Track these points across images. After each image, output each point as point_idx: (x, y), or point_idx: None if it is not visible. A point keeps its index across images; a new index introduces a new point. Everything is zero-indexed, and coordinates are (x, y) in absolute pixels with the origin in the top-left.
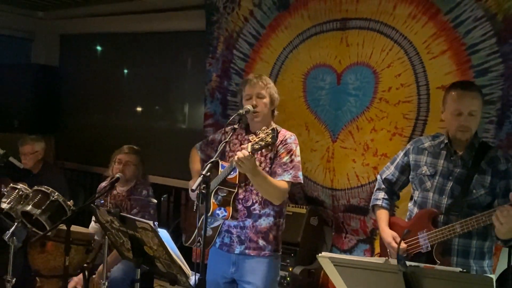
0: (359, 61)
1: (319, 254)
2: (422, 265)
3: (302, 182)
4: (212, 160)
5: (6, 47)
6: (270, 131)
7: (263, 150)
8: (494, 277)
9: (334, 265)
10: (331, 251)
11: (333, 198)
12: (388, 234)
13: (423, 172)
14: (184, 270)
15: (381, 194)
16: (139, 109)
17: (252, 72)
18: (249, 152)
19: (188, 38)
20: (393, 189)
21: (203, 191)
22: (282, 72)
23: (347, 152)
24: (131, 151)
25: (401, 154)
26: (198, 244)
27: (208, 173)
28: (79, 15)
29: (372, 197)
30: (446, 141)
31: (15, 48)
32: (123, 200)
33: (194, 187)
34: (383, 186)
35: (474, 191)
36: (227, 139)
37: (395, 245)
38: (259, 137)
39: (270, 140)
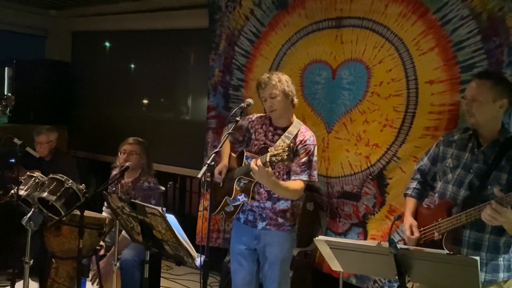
0: (353, 57)
1: (316, 238)
2: (411, 247)
3: (317, 180)
4: (216, 150)
5: (22, 44)
6: (287, 149)
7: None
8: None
9: (330, 247)
10: (326, 234)
11: (328, 185)
12: (407, 222)
13: (447, 164)
14: (190, 252)
15: (413, 184)
16: (146, 101)
17: (252, 68)
18: (264, 162)
19: (192, 35)
20: (426, 180)
21: (208, 179)
22: (281, 68)
23: (341, 142)
24: (135, 142)
25: (434, 145)
26: (221, 215)
27: (213, 163)
28: (90, 14)
29: (406, 186)
30: (471, 132)
31: (30, 45)
32: (129, 190)
33: (199, 175)
34: (416, 176)
35: (489, 186)
36: (229, 131)
37: (409, 235)
38: (277, 151)
39: (286, 157)
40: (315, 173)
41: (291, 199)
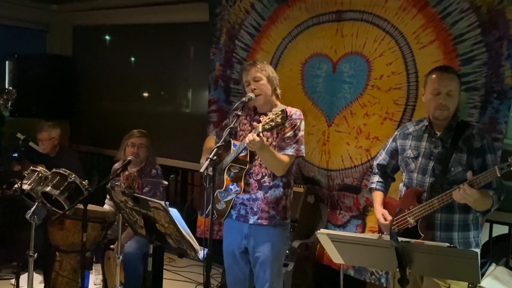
0: (353, 50)
1: (318, 231)
2: (412, 240)
3: (304, 155)
4: (218, 145)
5: (23, 38)
6: (280, 112)
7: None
8: (478, 250)
9: (331, 240)
10: (326, 227)
11: (328, 178)
12: (378, 212)
13: (408, 155)
14: (193, 245)
15: (376, 178)
16: (147, 95)
17: None
18: (258, 133)
19: (193, 29)
20: (386, 173)
21: (210, 173)
22: (282, 61)
23: (342, 135)
24: (142, 134)
25: (390, 140)
26: (213, 217)
27: (215, 157)
28: (91, 8)
29: (369, 181)
30: (426, 123)
31: (31, 39)
32: (135, 180)
33: (201, 170)
34: (376, 171)
35: (452, 169)
36: (231, 125)
37: (383, 221)
38: (269, 118)
39: (280, 120)
40: (302, 147)
41: (275, 173)
